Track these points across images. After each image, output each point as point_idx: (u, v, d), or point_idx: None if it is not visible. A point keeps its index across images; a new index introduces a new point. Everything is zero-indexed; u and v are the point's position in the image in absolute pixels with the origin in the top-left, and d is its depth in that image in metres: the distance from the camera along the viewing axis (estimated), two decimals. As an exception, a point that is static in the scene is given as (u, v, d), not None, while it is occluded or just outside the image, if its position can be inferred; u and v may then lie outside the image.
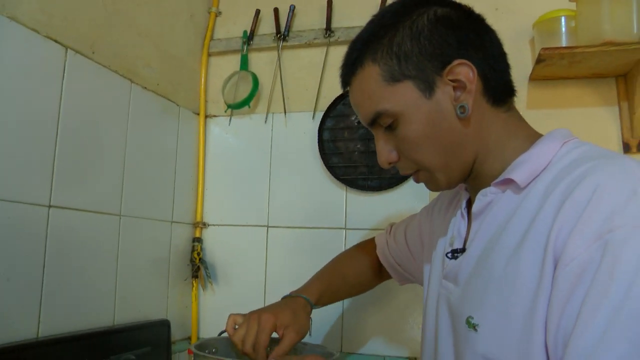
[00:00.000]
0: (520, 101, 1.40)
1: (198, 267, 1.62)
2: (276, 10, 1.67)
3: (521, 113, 0.83)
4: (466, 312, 0.74)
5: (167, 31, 1.55)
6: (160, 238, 1.51)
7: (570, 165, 0.68)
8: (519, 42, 1.45)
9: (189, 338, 1.62)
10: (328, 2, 1.61)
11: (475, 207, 0.79)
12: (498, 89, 0.78)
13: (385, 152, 0.81)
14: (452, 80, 0.74)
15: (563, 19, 1.31)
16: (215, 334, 1.10)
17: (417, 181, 0.83)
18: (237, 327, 0.98)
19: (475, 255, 0.77)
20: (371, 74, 0.77)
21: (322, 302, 1.11)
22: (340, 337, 1.51)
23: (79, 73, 1.18)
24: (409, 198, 1.49)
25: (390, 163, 0.82)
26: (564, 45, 1.30)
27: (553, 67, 1.31)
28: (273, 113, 1.67)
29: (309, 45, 1.65)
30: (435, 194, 1.10)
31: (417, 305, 1.45)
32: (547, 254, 0.63)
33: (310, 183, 1.60)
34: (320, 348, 1.13)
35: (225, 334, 1.01)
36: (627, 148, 1.33)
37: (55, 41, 1.12)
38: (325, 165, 1.57)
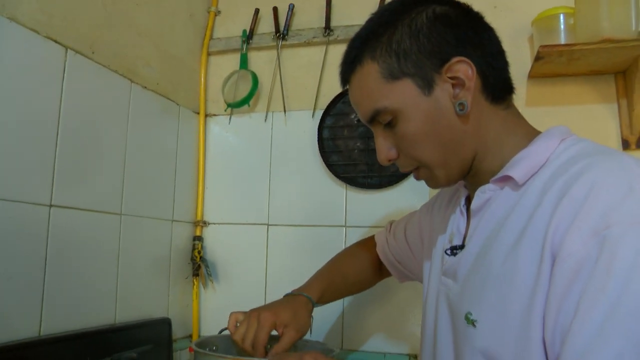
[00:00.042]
0: (519, 99, 1.40)
1: (199, 266, 1.63)
2: (275, 9, 1.67)
3: (520, 110, 0.83)
4: (465, 308, 0.75)
5: (166, 31, 1.55)
6: (161, 237, 1.51)
7: (567, 162, 0.69)
8: (517, 39, 1.45)
9: (190, 336, 1.62)
10: (327, 1, 1.61)
11: (474, 204, 0.80)
12: (497, 86, 0.78)
13: (384, 150, 0.81)
14: (451, 78, 0.75)
15: (562, 17, 1.31)
16: (216, 332, 1.11)
17: (418, 178, 0.83)
18: (238, 325, 0.99)
19: (474, 252, 0.77)
20: (370, 71, 0.78)
21: (323, 300, 1.11)
22: (341, 334, 1.51)
23: (79, 73, 1.18)
24: (409, 195, 1.49)
25: (389, 160, 0.82)
26: (562, 42, 1.30)
27: (552, 64, 1.31)
28: (273, 112, 1.67)
29: (308, 44, 1.65)
30: (435, 192, 1.10)
31: (417, 302, 1.45)
32: (545, 250, 0.63)
33: (310, 181, 1.60)
34: (321, 345, 1.14)
35: (225, 332, 1.02)
36: (626, 145, 1.34)
37: (55, 41, 1.12)
38: (325, 163, 1.57)
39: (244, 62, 1.68)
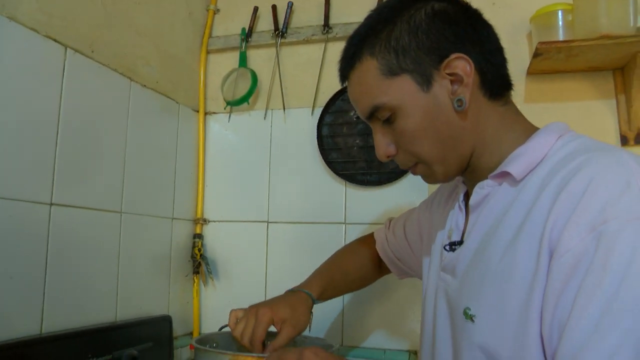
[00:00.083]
0: (518, 95, 1.41)
1: (199, 263, 1.63)
2: (274, 7, 1.67)
3: (519, 107, 0.83)
4: (463, 303, 0.75)
5: (165, 29, 1.55)
6: (161, 235, 1.52)
7: (565, 158, 0.69)
8: (516, 36, 1.45)
9: (191, 333, 1.63)
10: (326, -1, 1.62)
11: (472, 200, 0.80)
12: (495, 82, 0.79)
13: (383, 146, 0.82)
14: (449, 74, 0.75)
15: (560, 13, 1.31)
16: (216, 329, 1.11)
17: (415, 174, 0.84)
18: (238, 321, 0.99)
19: (472, 248, 0.78)
20: (369, 67, 0.78)
21: (324, 297, 1.12)
22: (341, 331, 1.52)
23: (78, 72, 1.19)
24: (408, 192, 1.50)
25: (388, 156, 0.82)
26: (561, 39, 1.30)
27: (550, 60, 1.32)
28: (272, 109, 1.68)
29: (307, 41, 1.65)
30: (435, 188, 1.10)
31: (416, 299, 1.46)
32: (543, 245, 0.64)
33: (310, 178, 1.61)
34: (321, 341, 1.14)
35: (226, 329, 1.02)
36: (624, 141, 1.34)
37: (55, 40, 1.13)
38: (325, 160, 1.58)
39: (243, 60, 1.69)
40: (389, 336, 1.48)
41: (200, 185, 1.69)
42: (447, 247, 0.85)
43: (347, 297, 1.52)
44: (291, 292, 1.08)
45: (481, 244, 0.76)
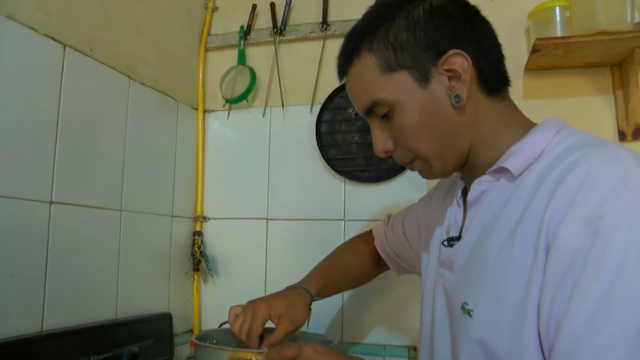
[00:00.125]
0: (516, 91, 1.41)
1: (199, 261, 1.63)
2: (272, 5, 1.67)
3: (517, 103, 0.84)
4: (461, 298, 0.75)
5: (164, 27, 1.56)
6: (161, 232, 1.52)
7: (562, 153, 0.69)
8: (514, 32, 1.45)
9: (191, 331, 1.63)
10: (324, -4, 1.62)
11: (470, 196, 0.80)
12: (492, 79, 0.79)
13: (381, 141, 0.82)
14: (447, 70, 0.76)
15: (558, 9, 1.32)
16: (216, 326, 1.12)
17: (413, 169, 0.84)
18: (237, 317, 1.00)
19: (470, 243, 0.78)
20: (367, 63, 0.78)
21: (323, 293, 1.12)
22: (341, 327, 1.53)
23: (77, 70, 1.19)
24: (407, 189, 1.50)
25: (386, 152, 0.83)
26: (558, 35, 1.30)
27: (548, 57, 1.32)
28: (271, 107, 1.68)
29: (305, 38, 1.65)
30: (433, 184, 1.11)
31: (416, 295, 1.46)
32: (540, 241, 0.64)
33: (309, 175, 1.61)
34: (320, 337, 1.15)
35: (225, 325, 1.03)
36: (622, 136, 1.34)
37: (53, 39, 1.13)
38: (324, 157, 1.58)
39: (241, 58, 1.69)
40: (388, 332, 1.49)
41: (200, 183, 1.69)
42: (445, 243, 0.85)
43: (346, 294, 1.53)
44: (290, 288, 1.09)
45: (479, 239, 0.76)
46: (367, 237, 1.25)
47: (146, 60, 1.46)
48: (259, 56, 1.71)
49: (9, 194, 1.01)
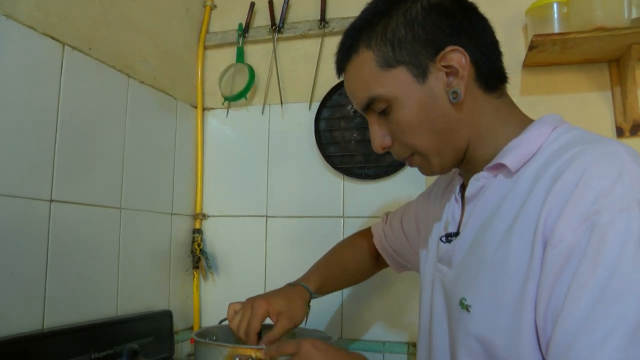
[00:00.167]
0: (514, 87, 1.41)
1: (199, 258, 1.64)
2: (271, 3, 1.67)
3: (515, 99, 0.84)
4: (459, 293, 0.76)
5: (162, 26, 1.56)
6: (161, 230, 1.52)
7: (559, 149, 0.70)
8: (512, 29, 1.45)
9: (191, 328, 1.64)
10: (322, -7, 1.62)
11: (468, 192, 0.81)
12: (490, 75, 0.79)
13: (379, 137, 0.83)
14: (444, 67, 0.76)
15: (555, 6, 1.32)
16: (216, 323, 1.12)
17: (412, 165, 0.84)
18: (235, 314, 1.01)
19: (468, 239, 0.79)
20: (365, 59, 0.79)
21: (322, 291, 1.12)
22: (341, 324, 1.53)
23: (76, 69, 1.19)
24: (406, 185, 1.51)
25: (384, 148, 0.83)
26: (556, 31, 1.30)
27: (545, 53, 1.32)
28: (270, 104, 1.68)
29: (304, 36, 1.65)
30: (432, 181, 1.11)
31: (415, 292, 1.47)
32: (537, 236, 0.65)
33: (308, 173, 1.61)
34: (319, 333, 1.15)
35: (225, 322, 1.03)
36: (620, 132, 1.35)
37: (52, 38, 1.13)
38: (322, 154, 1.59)
39: (240, 56, 1.69)
40: (387, 329, 1.49)
41: (199, 181, 1.70)
42: (444, 239, 0.86)
43: (346, 291, 1.53)
44: (289, 285, 1.09)
45: (477, 235, 0.77)
46: (365, 234, 1.25)
47: (145, 58, 1.46)
48: (257, 54, 1.72)
49: (9, 193, 1.02)
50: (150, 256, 1.46)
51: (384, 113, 0.80)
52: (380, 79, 0.78)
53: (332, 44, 1.59)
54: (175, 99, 1.61)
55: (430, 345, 0.86)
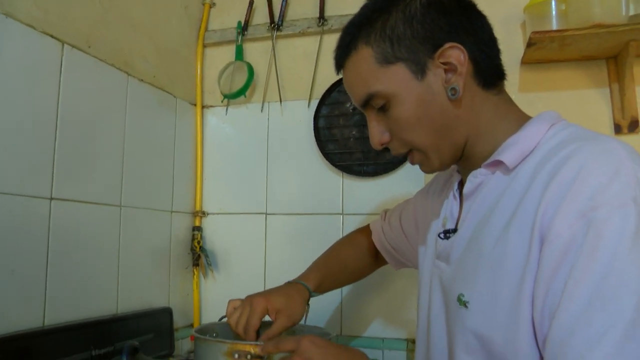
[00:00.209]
0: (512, 84, 1.42)
1: (198, 256, 1.64)
2: (270, 0, 1.67)
3: (513, 96, 0.84)
4: (457, 289, 0.76)
5: (161, 24, 1.56)
6: (161, 227, 1.53)
7: (557, 146, 0.70)
8: (510, 26, 1.46)
9: (191, 325, 1.64)
10: (321, -9, 1.62)
11: (466, 189, 0.81)
12: (488, 72, 0.80)
13: (377, 133, 0.83)
14: (443, 63, 0.76)
15: (553, 3, 1.32)
16: (216, 320, 1.13)
17: (412, 162, 0.85)
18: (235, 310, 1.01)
19: (466, 236, 0.79)
20: (364, 56, 0.79)
21: (321, 289, 1.13)
22: (340, 321, 1.54)
23: (76, 67, 1.19)
24: (405, 182, 1.51)
25: (382, 144, 0.83)
26: (554, 28, 1.31)
27: (544, 50, 1.33)
28: (269, 102, 1.68)
29: (302, 34, 1.66)
30: (431, 178, 1.12)
31: (414, 289, 1.47)
32: (534, 233, 0.65)
33: (307, 170, 1.62)
34: (318, 329, 1.15)
35: (225, 319, 1.04)
36: (618, 129, 1.35)
37: (52, 36, 1.13)
38: (322, 152, 1.59)
39: (239, 54, 1.69)
40: (387, 325, 1.50)
41: (199, 178, 1.70)
42: (442, 235, 0.86)
43: (345, 288, 1.53)
44: (288, 283, 1.09)
45: (475, 231, 0.77)
46: (364, 232, 1.25)
47: (144, 56, 1.46)
48: (256, 52, 1.72)
49: (9, 191, 1.02)
50: (150, 253, 1.46)
51: (383, 109, 0.80)
52: (379, 75, 0.78)
53: (331, 41, 1.59)
54: (174, 96, 1.61)
55: (429, 341, 0.87)
